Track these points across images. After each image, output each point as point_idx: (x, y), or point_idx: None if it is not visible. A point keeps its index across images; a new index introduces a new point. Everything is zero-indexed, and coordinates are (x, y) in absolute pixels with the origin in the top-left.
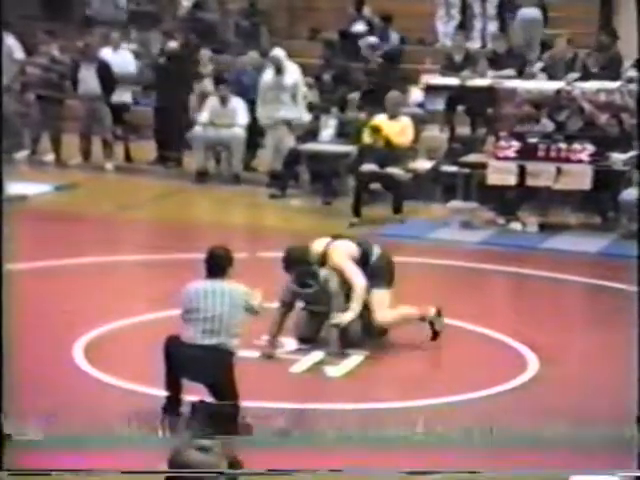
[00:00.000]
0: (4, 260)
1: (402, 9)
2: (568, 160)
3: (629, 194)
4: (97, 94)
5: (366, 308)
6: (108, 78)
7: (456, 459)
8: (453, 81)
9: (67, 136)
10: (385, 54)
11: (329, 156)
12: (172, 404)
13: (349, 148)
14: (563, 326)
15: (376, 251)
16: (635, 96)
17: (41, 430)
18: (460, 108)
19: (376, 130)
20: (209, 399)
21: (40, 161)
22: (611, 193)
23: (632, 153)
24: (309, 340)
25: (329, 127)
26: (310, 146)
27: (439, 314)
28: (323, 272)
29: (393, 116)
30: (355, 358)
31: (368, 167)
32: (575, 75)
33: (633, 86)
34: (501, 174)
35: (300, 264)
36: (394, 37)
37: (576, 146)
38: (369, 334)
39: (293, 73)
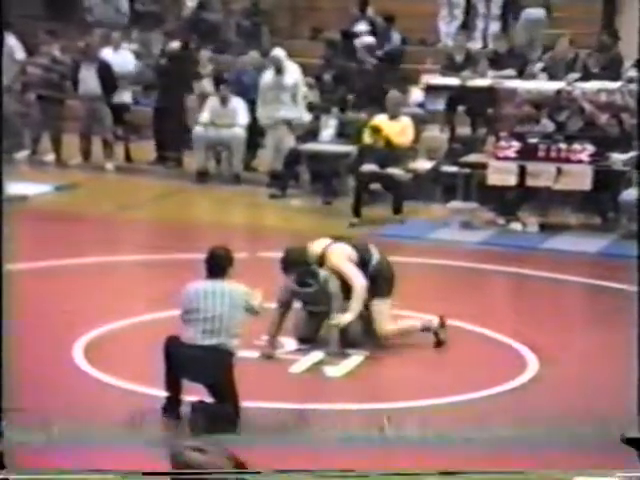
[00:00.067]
0: (4, 260)
1: (405, 9)
2: (568, 160)
3: (629, 194)
4: (97, 94)
5: (366, 308)
6: (109, 78)
7: (456, 459)
8: (453, 81)
9: (67, 136)
10: (385, 54)
11: (329, 156)
12: (172, 404)
13: (349, 148)
14: (563, 326)
15: (375, 257)
16: (635, 96)
17: (41, 430)
18: (460, 108)
19: (376, 130)
20: (209, 399)
21: (40, 161)
22: (611, 193)
23: (632, 153)
24: (309, 340)
25: (329, 127)
26: (310, 146)
27: (442, 324)
28: (323, 272)
29: (393, 116)
30: (355, 358)
31: (368, 167)
32: (575, 75)
33: (633, 86)
34: (501, 174)
35: (298, 265)
36: (395, 37)
37: (576, 146)
38: (369, 334)
39: (293, 73)
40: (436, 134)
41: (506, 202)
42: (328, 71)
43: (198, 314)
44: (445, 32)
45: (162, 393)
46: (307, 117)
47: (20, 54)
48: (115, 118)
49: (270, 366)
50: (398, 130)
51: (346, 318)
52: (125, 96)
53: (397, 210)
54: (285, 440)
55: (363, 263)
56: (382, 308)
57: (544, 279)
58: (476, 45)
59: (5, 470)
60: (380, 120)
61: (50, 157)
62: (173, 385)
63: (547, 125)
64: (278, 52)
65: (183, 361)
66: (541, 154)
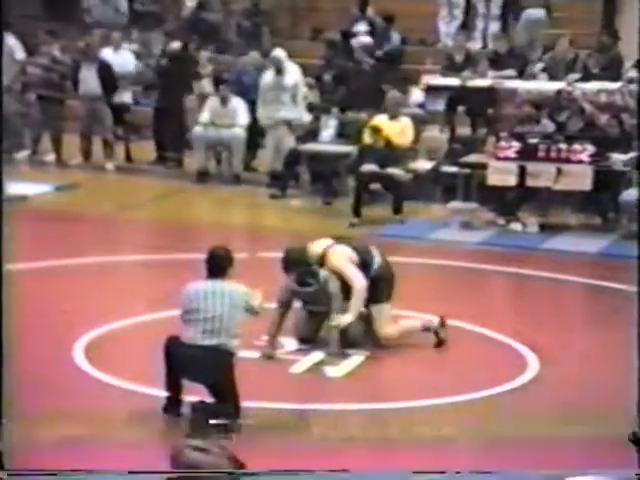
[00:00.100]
0: (4, 260)
1: (404, 9)
2: (568, 161)
3: (629, 195)
4: (98, 94)
5: (367, 309)
6: (109, 78)
7: (456, 459)
8: (454, 81)
9: (68, 136)
10: (385, 54)
11: (329, 156)
12: (172, 404)
13: (349, 148)
14: (563, 326)
15: (377, 260)
16: (636, 97)
17: (41, 430)
18: (460, 108)
19: (376, 130)
20: (209, 399)
21: (41, 161)
22: (611, 194)
23: (632, 154)
24: (309, 340)
25: (329, 127)
26: (310, 146)
27: (443, 324)
28: (323, 273)
29: (393, 116)
30: (355, 358)
31: (368, 167)
32: (576, 76)
33: (634, 87)
34: (501, 174)
35: (299, 265)
36: (395, 37)
37: (576, 147)
38: (369, 335)
39: (293, 73)
40: (436, 134)
41: (506, 202)
42: (328, 71)
43: (198, 314)
44: (445, 32)
45: (162, 393)
46: (307, 117)
47: (20, 54)
48: (115, 118)
49: (270, 366)
50: (398, 130)
51: (346, 319)
52: (125, 96)
53: (397, 210)
54: (285, 440)
55: (364, 265)
56: (382, 312)
57: (544, 279)
58: (476, 45)
59: (4, 470)
60: (380, 120)
61: (50, 157)
62: (173, 385)
63: (547, 125)
64: (278, 52)
65: (183, 361)
66: (541, 154)
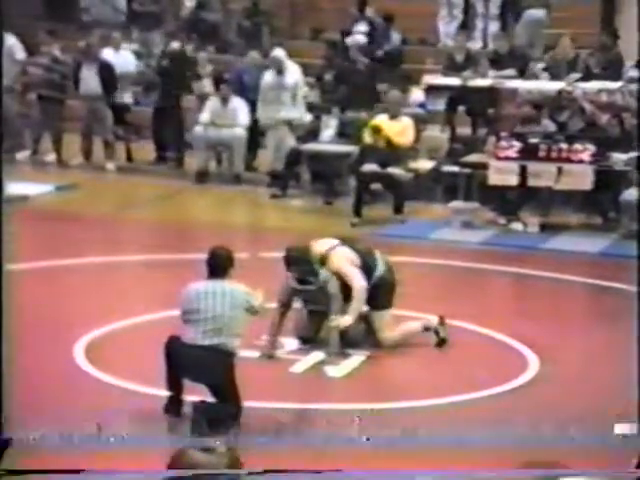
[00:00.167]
0: (5, 260)
1: (404, 9)
2: (569, 160)
3: (630, 194)
4: (98, 94)
5: (367, 312)
6: (109, 79)
7: (457, 459)
8: (454, 81)
9: (68, 136)
10: (385, 54)
11: (330, 156)
12: (173, 404)
13: (350, 148)
14: (564, 326)
15: (380, 266)
16: (636, 96)
17: (42, 430)
18: (461, 108)
19: (377, 130)
20: (210, 399)
21: (41, 161)
22: (612, 193)
23: (633, 153)
24: (309, 340)
25: (330, 127)
26: (311, 146)
27: (442, 322)
28: (323, 272)
29: (394, 116)
30: (356, 358)
31: (369, 167)
32: (576, 75)
33: (634, 86)
34: (502, 174)
35: (300, 263)
36: (395, 37)
37: (577, 146)
38: (370, 335)
39: (294, 73)
40: (437, 134)
41: (507, 202)
42: (329, 71)
43: (199, 314)
44: (444, 32)
45: (163, 393)
46: (308, 117)
47: (20, 54)
48: (116, 118)
49: (271, 366)
50: (399, 130)
51: (345, 320)
52: (126, 96)
53: (398, 210)
54: (285, 440)
55: (367, 270)
56: (383, 318)
57: (545, 279)
58: (476, 45)
59: (4, 469)
60: (381, 120)
61: (51, 157)
62: (174, 385)
63: (548, 125)
64: (278, 52)
65: (184, 361)
66: (542, 154)
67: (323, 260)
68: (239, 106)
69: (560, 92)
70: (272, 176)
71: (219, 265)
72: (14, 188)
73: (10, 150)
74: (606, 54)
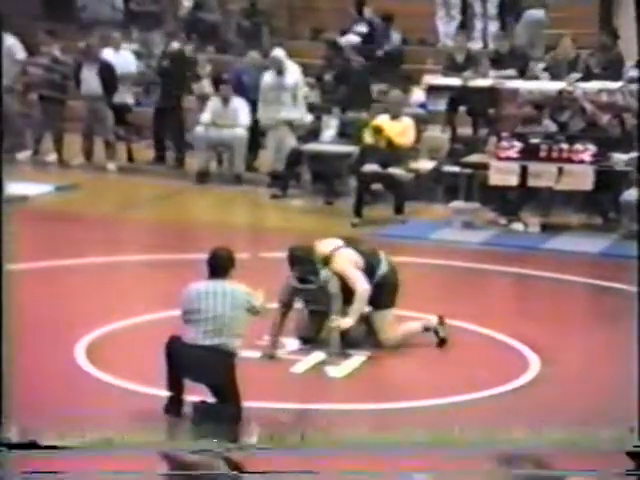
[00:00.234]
0: (6, 260)
1: (403, 9)
2: (570, 161)
3: (630, 195)
4: (99, 94)
5: (369, 312)
6: (110, 79)
7: (457, 460)
8: (455, 81)
9: (69, 136)
10: (385, 54)
11: (331, 156)
12: (174, 404)
13: (351, 148)
14: (564, 326)
15: (383, 266)
16: (637, 96)
17: (42, 430)
18: (462, 108)
19: (378, 130)
20: (211, 399)
21: (42, 161)
22: (612, 194)
23: (634, 154)
24: (310, 340)
25: (331, 127)
26: (312, 146)
27: (442, 322)
28: (324, 272)
29: (395, 116)
30: (357, 358)
31: (370, 167)
32: (577, 75)
33: (635, 86)
34: (503, 174)
35: (303, 262)
36: (395, 37)
37: (578, 147)
38: (371, 336)
39: (294, 73)
40: (438, 134)
41: (508, 202)
42: (329, 71)
43: (199, 314)
44: (444, 32)
45: (164, 393)
46: (308, 117)
47: (21, 54)
48: (117, 119)
49: (271, 366)
50: (399, 130)
51: (346, 322)
52: (126, 97)
53: (399, 210)
54: (286, 440)
55: (370, 270)
56: (385, 318)
57: (546, 279)
58: (476, 45)
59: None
60: (382, 120)
61: (52, 157)
62: (175, 385)
63: (549, 125)
64: (278, 53)
65: (185, 361)
66: (543, 154)
67: (326, 261)
68: (240, 106)
69: (561, 92)
70: (273, 176)
71: (220, 265)
72: (15, 188)
73: (11, 150)
74: (606, 54)
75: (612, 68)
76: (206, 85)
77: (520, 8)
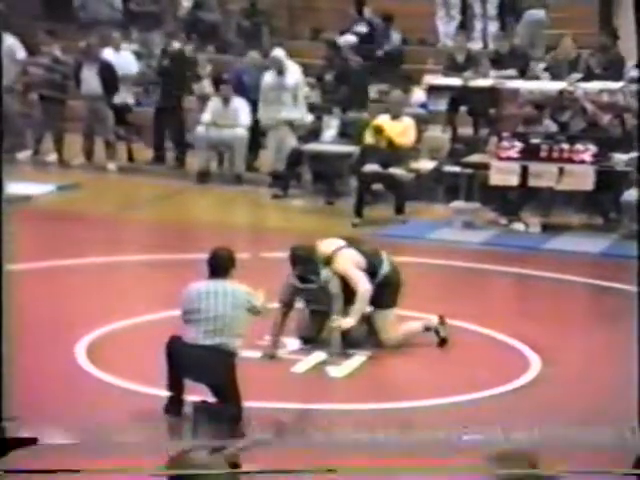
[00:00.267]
0: (6, 260)
1: (402, 9)
2: (570, 161)
3: (631, 195)
4: (99, 94)
5: (371, 311)
6: (110, 79)
7: (457, 460)
8: (455, 81)
9: (70, 136)
10: (385, 54)
11: (331, 156)
12: (174, 404)
13: (351, 148)
14: (565, 326)
15: (385, 267)
16: (637, 97)
17: (42, 430)
18: (462, 108)
19: (378, 130)
20: (211, 399)
21: (43, 161)
22: (613, 194)
23: (634, 154)
24: (311, 340)
25: (331, 127)
26: (312, 146)
27: (442, 322)
28: (325, 272)
29: (395, 116)
30: (357, 358)
31: (370, 167)
32: (577, 75)
33: (635, 86)
34: (503, 174)
35: (305, 262)
36: (395, 37)
37: (578, 147)
38: (372, 335)
39: (294, 73)
40: (438, 134)
41: (508, 202)
42: (329, 71)
43: (200, 314)
44: (444, 32)
45: (164, 393)
46: (308, 117)
47: (21, 54)
48: (117, 119)
49: (272, 366)
50: (400, 130)
51: (347, 323)
52: (127, 97)
53: (399, 210)
54: (286, 440)
55: (372, 271)
56: (386, 318)
57: (546, 279)
58: (476, 45)
59: (4, 469)
60: (382, 120)
61: (52, 157)
62: (175, 385)
63: (549, 125)
64: (278, 53)
65: (185, 361)
66: (543, 154)
67: (328, 261)
68: (240, 106)
69: (561, 92)
70: (273, 176)
71: (220, 265)
72: (15, 188)
73: (11, 150)
74: (607, 54)
75: (613, 68)
76: (206, 85)
77: (520, 8)
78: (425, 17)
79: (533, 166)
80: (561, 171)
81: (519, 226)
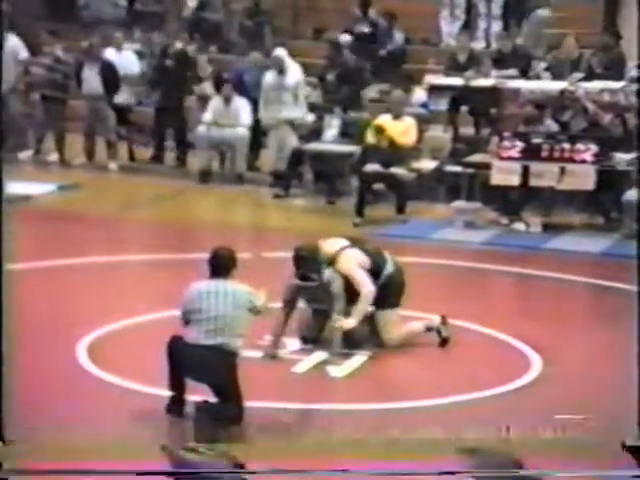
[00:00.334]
0: (7, 260)
1: (406, 8)
2: (572, 160)
3: (632, 194)
4: (100, 94)
5: (373, 311)
6: (112, 79)
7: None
8: (457, 81)
9: (71, 136)
10: (388, 54)
11: (333, 156)
12: (175, 404)
13: (353, 148)
14: (566, 326)
15: (389, 266)
16: (639, 96)
17: (42, 430)
18: (464, 108)
19: (380, 130)
20: (213, 399)
21: (44, 161)
22: (614, 193)
23: (635, 153)
24: (312, 340)
25: (333, 127)
26: (314, 146)
27: (444, 322)
28: (327, 271)
29: (397, 116)
30: (358, 358)
31: (372, 167)
32: (579, 75)
33: (637, 86)
34: (505, 174)
35: (308, 262)
36: (398, 37)
37: (580, 146)
38: (373, 336)
39: (295, 73)
40: (439, 134)
41: (509, 202)
42: (331, 71)
43: (201, 314)
44: (447, 32)
45: (166, 393)
46: (309, 117)
47: (23, 54)
48: (118, 118)
49: (273, 366)
50: (401, 130)
51: (349, 323)
52: (128, 96)
53: (400, 210)
54: (287, 440)
55: (376, 271)
56: (389, 318)
57: (547, 279)
58: (479, 45)
59: (4, 471)
60: (384, 120)
61: (54, 157)
62: (177, 385)
63: (551, 125)
64: (280, 52)
65: (187, 361)
66: (544, 154)
67: (331, 260)
68: (241, 106)
69: (563, 92)
70: (275, 176)
71: (222, 265)
72: (17, 188)
73: (13, 150)
74: (608, 54)
75: (614, 68)
76: (207, 87)
77: (525, 8)
78: (429, 16)
79: (534, 166)
80: (562, 171)
81: (520, 226)
